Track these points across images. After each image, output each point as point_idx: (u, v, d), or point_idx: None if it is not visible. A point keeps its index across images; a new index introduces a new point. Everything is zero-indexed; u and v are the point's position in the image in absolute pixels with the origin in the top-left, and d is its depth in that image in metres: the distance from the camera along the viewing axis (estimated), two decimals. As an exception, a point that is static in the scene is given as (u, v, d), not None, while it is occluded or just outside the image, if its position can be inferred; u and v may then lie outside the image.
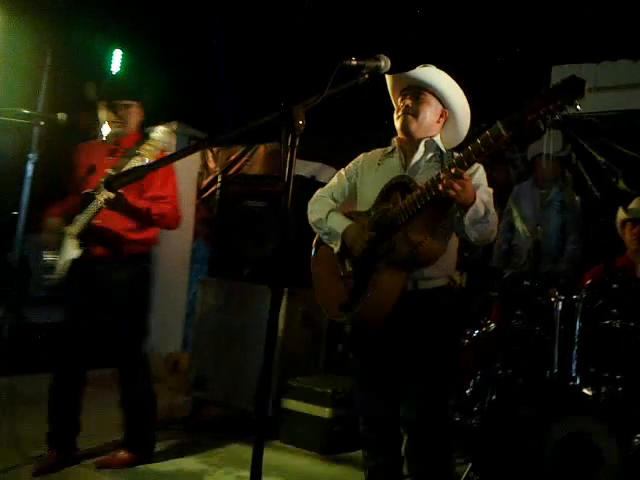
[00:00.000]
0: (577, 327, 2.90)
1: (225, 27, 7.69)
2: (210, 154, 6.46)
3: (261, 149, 6.20)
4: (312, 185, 4.45)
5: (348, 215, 2.70)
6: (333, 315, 2.70)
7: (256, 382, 3.99)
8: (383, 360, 2.64)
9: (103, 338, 3.46)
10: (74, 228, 3.37)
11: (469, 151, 2.28)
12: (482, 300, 4.05)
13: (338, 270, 2.64)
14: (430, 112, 2.63)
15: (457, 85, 2.65)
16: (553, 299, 2.99)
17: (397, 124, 2.67)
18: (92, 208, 3.29)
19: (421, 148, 2.64)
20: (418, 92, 2.62)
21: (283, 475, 3.44)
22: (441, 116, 2.67)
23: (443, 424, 2.64)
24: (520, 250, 4.55)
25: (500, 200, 4.97)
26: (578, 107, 2.08)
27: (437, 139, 2.68)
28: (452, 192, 2.25)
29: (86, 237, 3.34)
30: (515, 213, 4.68)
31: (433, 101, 2.63)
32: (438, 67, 2.71)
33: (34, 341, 5.56)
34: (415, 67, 2.68)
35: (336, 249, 2.64)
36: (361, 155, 2.84)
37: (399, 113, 2.64)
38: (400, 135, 2.69)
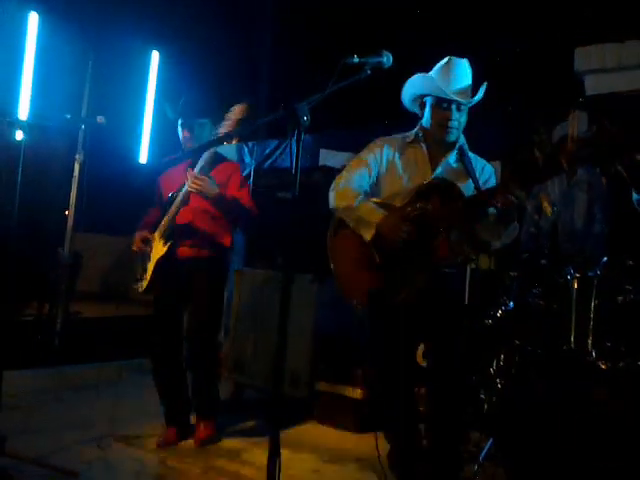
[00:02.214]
0: (592, 303, 2.98)
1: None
2: (246, 149, 6.66)
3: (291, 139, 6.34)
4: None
5: (380, 205, 2.78)
6: (358, 299, 2.82)
7: (292, 365, 4.18)
8: (405, 326, 2.73)
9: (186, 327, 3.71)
10: (158, 231, 3.62)
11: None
12: (509, 281, 4.13)
13: (366, 257, 2.74)
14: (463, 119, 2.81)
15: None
16: (569, 277, 3.07)
17: (442, 134, 2.77)
18: (174, 205, 3.54)
19: (456, 154, 2.81)
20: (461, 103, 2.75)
21: (316, 452, 3.62)
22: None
23: (462, 380, 2.86)
24: (548, 232, 4.59)
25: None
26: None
27: (464, 141, 2.85)
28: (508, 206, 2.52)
29: (171, 236, 3.56)
30: (542, 196, 4.71)
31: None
32: (464, 50, 2.86)
33: (83, 334, 5.88)
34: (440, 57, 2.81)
35: (368, 237, 2.71)
36: (379, 141, 2.89)
37: (449, 125, 2.74)
38: (438, 141, 2.81)
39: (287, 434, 3.77)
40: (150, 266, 3.62)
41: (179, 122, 3.67)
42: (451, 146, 2.80)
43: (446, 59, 2.79)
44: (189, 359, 3.72)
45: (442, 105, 2.74)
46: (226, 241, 3.69)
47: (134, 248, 3.70)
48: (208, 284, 3.64)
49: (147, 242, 3.65)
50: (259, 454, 3.49)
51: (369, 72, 2.19)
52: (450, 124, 2.73)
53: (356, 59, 2.17)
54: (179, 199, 3.52)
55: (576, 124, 4.51)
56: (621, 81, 4.53)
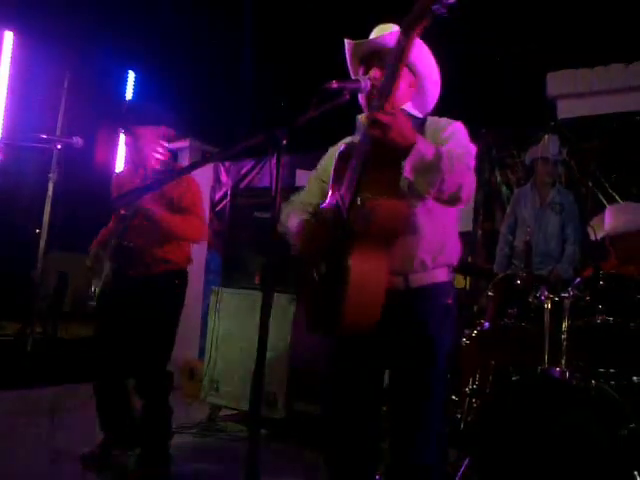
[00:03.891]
0: (565, 324, 3.03)
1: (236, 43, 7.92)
2: (222, 168, 6.67)
3: (271, 162, 6.37)
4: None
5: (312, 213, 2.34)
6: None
7: (269, 386, 4.16)
8: (369, 379, 2.24)
9: (129, 351, 3.45)
10: (107, 251, 3.49)
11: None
12: (484, 301, 4.19)
13: (313, 273, 2.20)
14: (401, 84, 2.20)
15: (426, 48, 2.27)
16: (542, 297, 3.12)
17: (364, 102, 2.29)
18: (118, 228, 3.43)
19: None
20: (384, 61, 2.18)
21: (293, 473, 3.61)
22: (410, 86, 2.31)
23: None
24: (522, 253, 4.66)
25: (500, 204, 5.13)
26: None
27: (406, 106, 2.30)
28: (376, 129, 1.91)
29: (118, 257, 3.43)
30: (516, 216, 4.79)
31: (403, 70, 2.15)
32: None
33: (55, 355, 5.80)
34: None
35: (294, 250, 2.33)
36: (329, 149, 2.52)
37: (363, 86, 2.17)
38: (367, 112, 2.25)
39: (265, 455, 3.74)
40: (98, 285, 3.50)
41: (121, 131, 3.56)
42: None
43: None
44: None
45: (357, 71, 2.34)
46: (179, 259, 3.47)
47: (88, 264, 3.56)
48: (150, 306, 3.40)
49: (99, 260, 3.52)
50: (235, 476, 3.47)
51: (348, 97, 2.21)
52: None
53: (334, 85, 2.19)
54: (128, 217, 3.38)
55: (548, 146, 4.61)
56: (592, 105, 4.65)
